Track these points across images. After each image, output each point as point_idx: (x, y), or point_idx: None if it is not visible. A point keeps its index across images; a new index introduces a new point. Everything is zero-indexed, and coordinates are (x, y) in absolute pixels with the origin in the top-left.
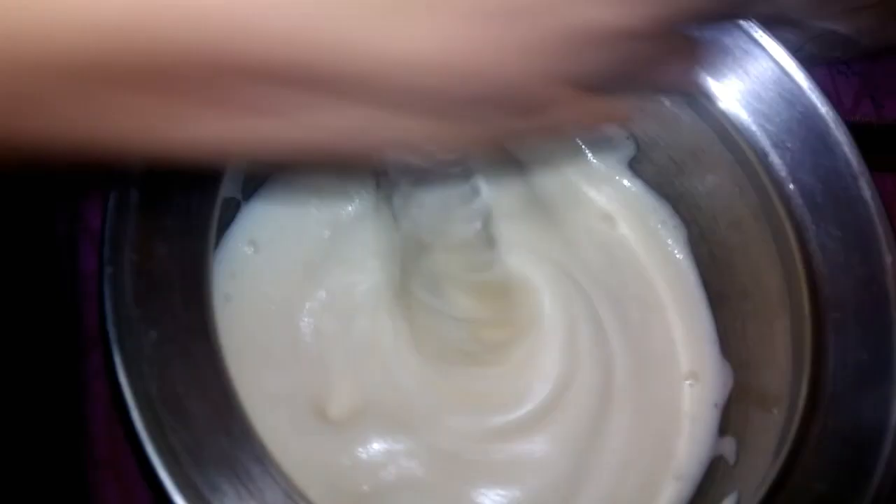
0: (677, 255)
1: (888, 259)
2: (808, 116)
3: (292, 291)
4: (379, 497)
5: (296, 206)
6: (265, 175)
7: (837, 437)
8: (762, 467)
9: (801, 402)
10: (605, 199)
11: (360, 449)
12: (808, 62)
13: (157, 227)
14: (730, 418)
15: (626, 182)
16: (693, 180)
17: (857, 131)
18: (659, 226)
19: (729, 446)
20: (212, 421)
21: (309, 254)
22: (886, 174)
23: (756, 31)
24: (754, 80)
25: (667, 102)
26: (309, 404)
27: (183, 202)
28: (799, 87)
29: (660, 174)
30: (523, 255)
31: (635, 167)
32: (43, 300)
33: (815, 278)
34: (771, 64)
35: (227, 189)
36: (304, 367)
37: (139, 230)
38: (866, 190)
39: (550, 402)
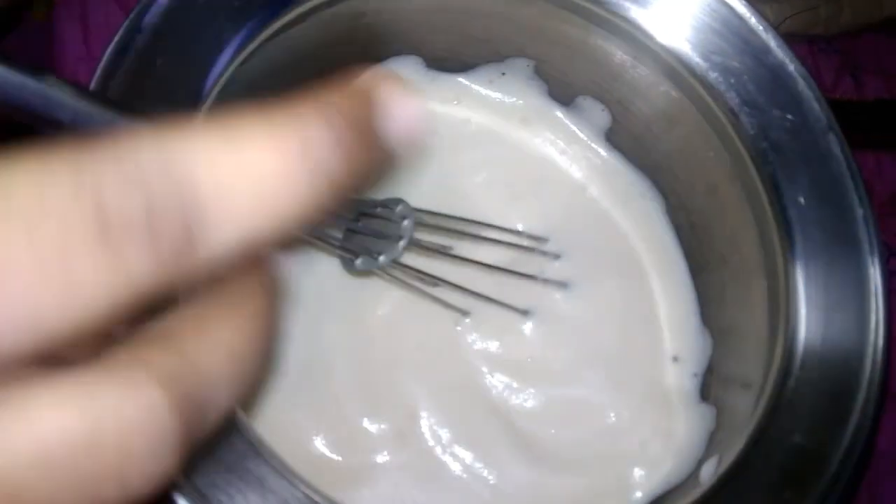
0: (658, 227)
1: (860, 211)
2: (777, 74)
3: None
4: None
5: None
6: None
7: (813, 390)
8: (741, 428)
9: (777, 359)
10: (584, 174)
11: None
12: (788, 38)
13: None
14: (710, 385)
15: (603, 153)
16: (669, 147)
17: (838, 109)
18: (639, 198)
19: (710, 412)
20: None
21: None
22: (867, 152)
23: None
24: (723, 40)
25: (640, 69)
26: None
27: None
28: (767, 45)
29: (637, 144)
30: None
31: (612, 139)
32: None
33: (788, 234)
34: (739, 23)
35: None
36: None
37: None
38: (836, 144)
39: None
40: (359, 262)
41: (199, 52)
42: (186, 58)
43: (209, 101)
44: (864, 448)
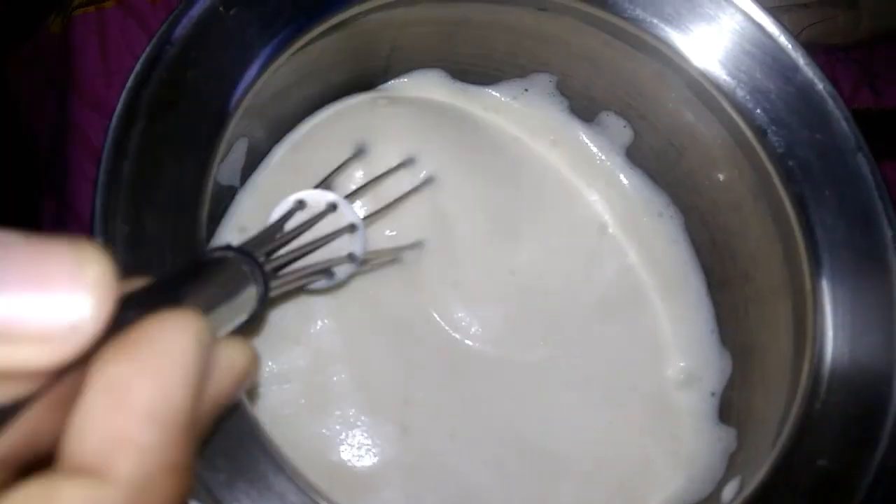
0: (674, 246)
1: (889, 233)
2: (805, 92)
3: None
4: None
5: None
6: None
7: (840, 413)
8: (764, 450)
9: (803, 381)
10: (600, 200)
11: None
12: (806, 49)
13: (147, 201)
14: (731, 405)
15: (623, 171)
16: (692, 164)
17: (856, 119)
18: (656, 217)
19: (729, 433)
20: None
21: None
22: (886, 161)
23: (756, 12)
24: (751, 58)
25: (666, 84)
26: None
27: (175, 177)
28: (796, 64)
29: (658, 160)
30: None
31: (633, 155)
32: None
33: (815, 254)
34: (767, 41)
35: (224, 176)
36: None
37: (130, 203)
38: (865, 165)
39: None
40: (337, 272)
41: (228, 64)
42: (216, 70)
43: (240, 112)
44: (893, 473)
